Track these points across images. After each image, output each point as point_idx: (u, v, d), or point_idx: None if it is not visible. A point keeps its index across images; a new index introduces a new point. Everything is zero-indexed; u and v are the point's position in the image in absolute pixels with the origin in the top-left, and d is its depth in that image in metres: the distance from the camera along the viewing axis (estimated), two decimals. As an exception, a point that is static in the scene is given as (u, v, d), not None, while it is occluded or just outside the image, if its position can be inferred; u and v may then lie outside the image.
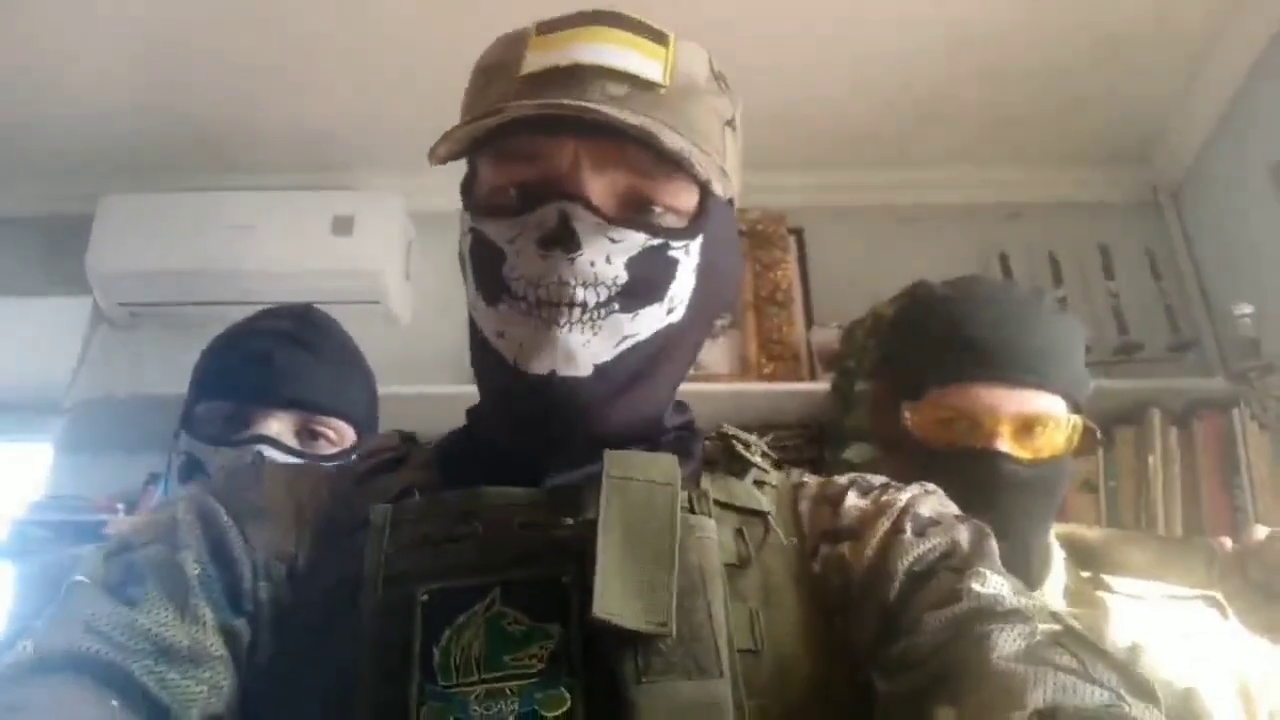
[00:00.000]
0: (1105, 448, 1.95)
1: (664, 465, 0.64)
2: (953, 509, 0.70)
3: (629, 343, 0.66)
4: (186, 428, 1.18)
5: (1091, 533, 1.16)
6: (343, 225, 2.31)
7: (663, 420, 0.74)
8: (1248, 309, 2.03)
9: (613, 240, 0.65)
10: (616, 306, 0.65)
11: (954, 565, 0.62)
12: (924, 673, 0.57)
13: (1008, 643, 0.55)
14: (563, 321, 0.63)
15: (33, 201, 2.52)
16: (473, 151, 0.70)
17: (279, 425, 1.15)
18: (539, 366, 0.64)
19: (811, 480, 0.74)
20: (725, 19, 2.03)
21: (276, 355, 1.18)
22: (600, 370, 0.65)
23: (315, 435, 1.18)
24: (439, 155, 0.69)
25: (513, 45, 0.70)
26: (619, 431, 0.68)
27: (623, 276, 0.65)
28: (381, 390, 1.34)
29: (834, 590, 0.64)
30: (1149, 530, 1.86)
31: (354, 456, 0.77)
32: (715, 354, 2.34)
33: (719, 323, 2.36)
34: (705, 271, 0.70)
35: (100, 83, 2.23)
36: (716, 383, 2.22)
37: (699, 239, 0.69)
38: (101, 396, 2.12)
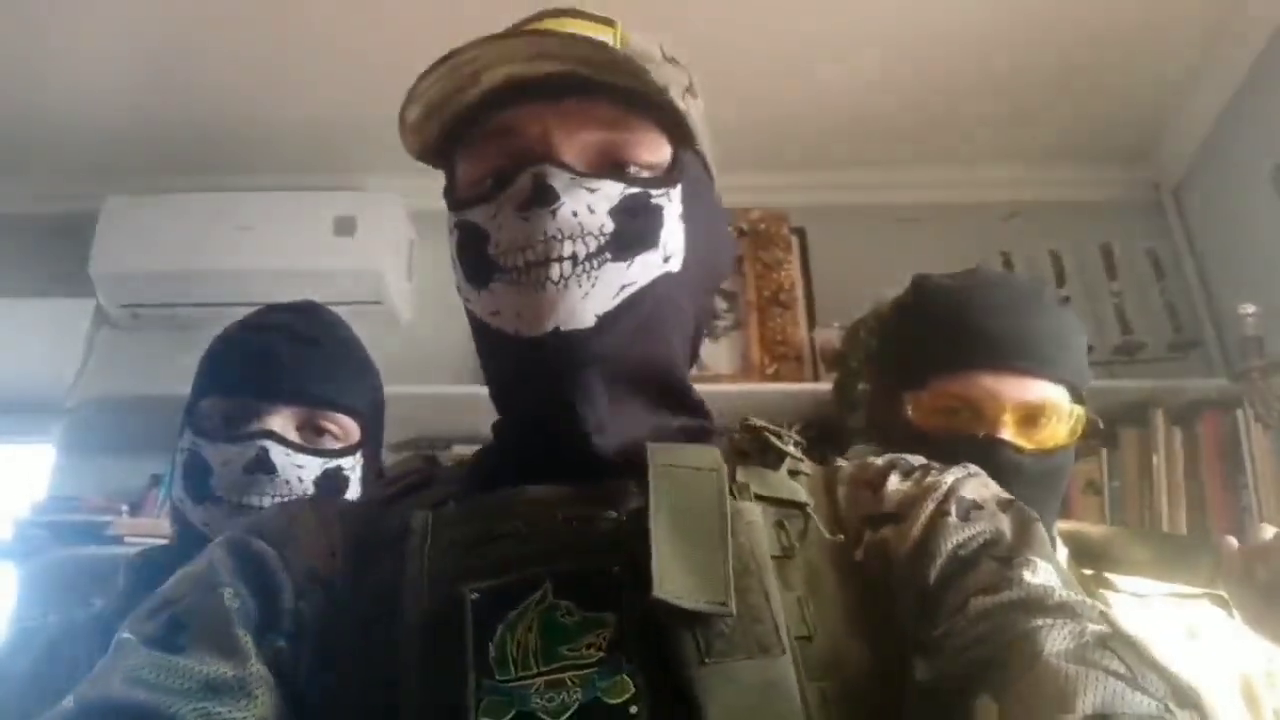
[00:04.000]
0: (1109, 448, 1.95)
1: (707, 453, 0.64)
2: (996, 490, 0.69)
3: (628, 291, 0.66)
4: (189, 425, 1.18)
5: (1095, 530, 1.16)
6: (345, 226, 2.31)
7: (682, 387, 0.74)
8: (1251, 308, 2.03)
9: (590, 190, 0.65)
10: (609, 255, 0.65)
11: (999, 554, 0.61)
12: (967, 658, 0.56)
13: (1057, 640, 0.53)
14: (556, 277, 0.63)
15: (36, 203, 2.53)
16: (447, 146, 0.72)
17: (282, 421, 1.14)
18: (541, 327, 0.63)
19: (846, 464, 0.73)
20: (728, 20, 2.03)
21: (279, 350, 1.17)
22: (603, 320, 0.64)
23: (319, 431, 1.17)
24: (412, 132, 0.70)
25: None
26: (635, 386, 0.68)
27: (609, 225, 0.65)
28: (384, 390, 1.34)
29: (877, 575, 0.64)
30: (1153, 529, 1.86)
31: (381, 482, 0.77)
32: (718, 354, 2.34)
33: (722, 316, 2.35)
34: (692, 222, 0.70)
35: (104, 85, 2.24)
36: (720, 383, 2.22)
37: (678, 187, 0.70)
38: (104, 397, 2.13)
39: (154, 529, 1.76)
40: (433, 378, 2.10)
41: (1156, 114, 2.36)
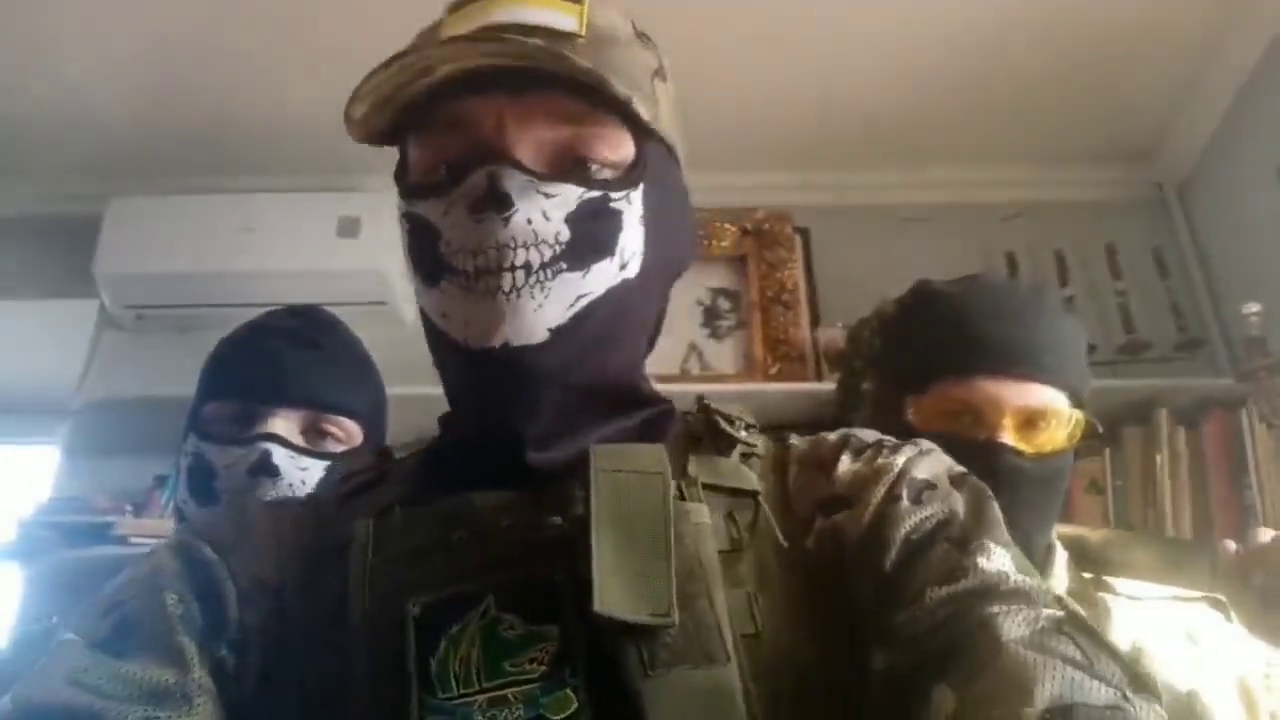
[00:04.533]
0: (1112, 448, 1.95)
1: (652, 454, 0.62)
2: (949, 466, 0.68)
3: (583, 302, 0.63)
4: (194, 429, 1.18)
5: (1094, 534, 1.16)
6: (348, 227, 2.32)
7: (637, 388, 0.72)
8: (1255, 307, 2.02)
9: (547, 196, 0.62)
10: (564, 265, 0.62)
11: (953, 536, 0.61)
12: (924, 648, 0.55)
13: (1013, 627, 0.53)
14: (507, 288, 0.60)
15: (40, 204, 2.54)
16: (398, 130, 0.69)
17: (286, 424, 1.15)
18: (491, 340, 0.61)
19: (799, 441, 0.71)
20: (729, 21, 2.03)
21: (283, 354, 1.18)
22: (556, 333, 0.62)
23: (323, 434, 1.18)
24: (358, 125, 0.67)
25: (427, 30, 0.70)
26: (587, 398, 0.66)
27: (565, 233, 0.62)
28: (388, 391, 1.34)
29: (829, 562, 0.63)
30: (1157, 530, 1.85)
31: (335, 478, 0.76)
32: (722, 354, 2.35)
33: (725, 315, 2.35)
34: (653, 222, 0.67)
35: (108, 87, 2.25)
36: (722, 383, 2.23)
37: (639, 188, 0.66)
38: (108, 398, 2.13)
39: (158, 529, 1.77)
40: (437, 379, 2.10)
41: (1161, 113, 2.36)
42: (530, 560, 0.59)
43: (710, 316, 2.40)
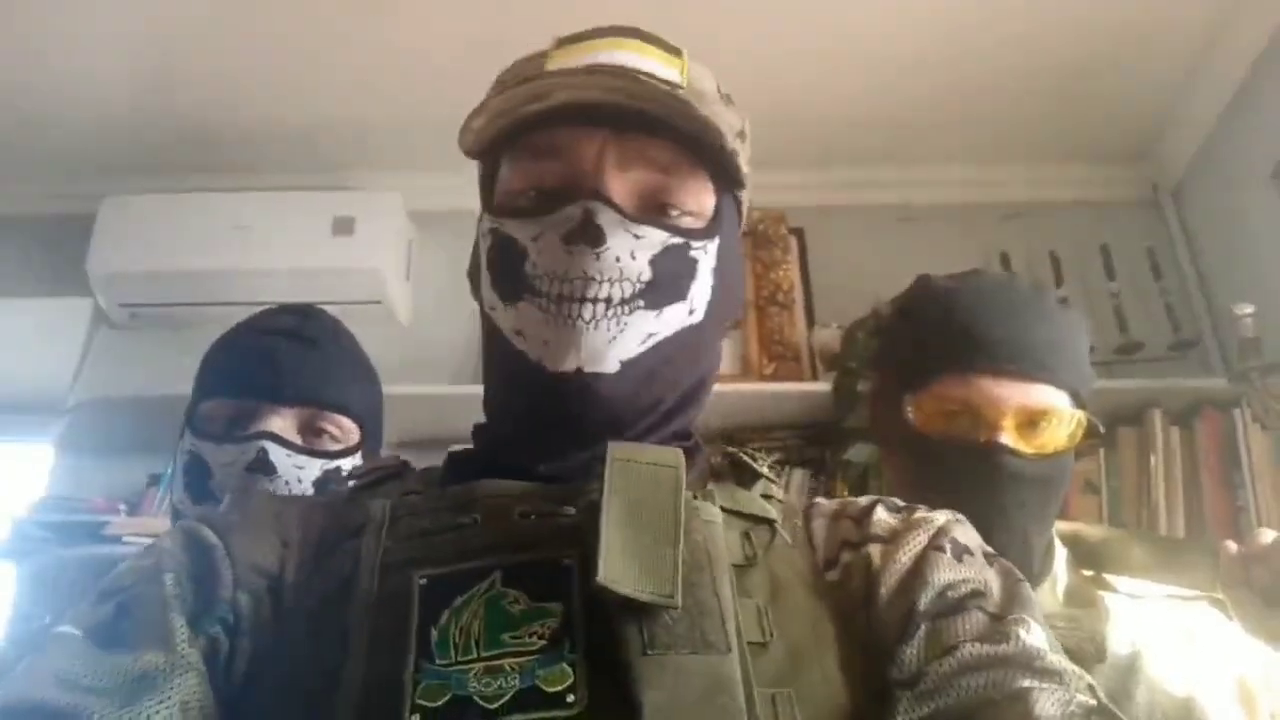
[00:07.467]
0: (1106, 448, 1.95)
1: (668, 451, 0.64)
2: (981, 541, 0.70)
3: (653, 340, 0.66)
4: (190, 427, 1.18)
5: (1094, 531, 1.16)
6: (343, 225, 2.31)
7: (682, 425, 0.74)
8: (1249, 308, 2.02)
9: (636, 237, 0.66)
10: (642, 303, 0.66)
11: (988, 610, 0.62)
12: (953, 702, 0.56)
13: (1046, 705, 0.54)
14: (587, 317, 0.64)
15: (34, 203, 2.53)
16: (497, 146, 0.72)
17: (282, 422, 1.15)
18: (565, 364, 0.64)
19: (826, 501, 0.73)
20: (729, 20, 2.03)
21: (279, 352, 1.17)
22: (626, 366, 0.65)
23: (319, 432, 1.18)
24: (470, 139, 0.71)
25: (533, 59, 0.73)
26: (635, 426, 0.68)
27: (647, 273, 0.66)
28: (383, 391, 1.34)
29: (855, 591, 0.64)
30: (1151, 530, 1.86)
31: (350, 481, 0.76)
32: (716, 354, 2.34)
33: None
34: (720, 274, 0.71)
35: (101, 85, 2.24)
36: (718, 383, 2.22)
37: (716, 241, 0.70)
38: (102, 397, 2.13)
39: (152, 528, 1.76)
40: (431, 377, 2.10)
41: (1155, 114, 2.36)
42: (541, 544, 0.60)
43: (706, 316, 2.40)
